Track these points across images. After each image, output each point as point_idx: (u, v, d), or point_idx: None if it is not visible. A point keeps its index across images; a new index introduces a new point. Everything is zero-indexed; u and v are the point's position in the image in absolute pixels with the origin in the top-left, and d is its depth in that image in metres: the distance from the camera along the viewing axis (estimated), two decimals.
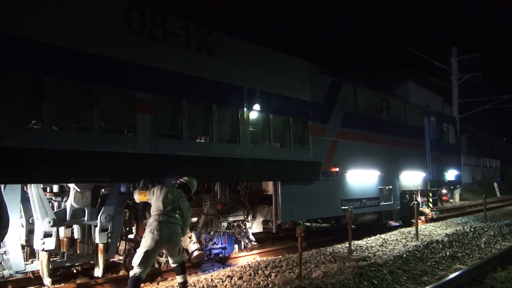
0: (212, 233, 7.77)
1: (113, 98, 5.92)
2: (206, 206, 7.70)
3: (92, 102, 5.60)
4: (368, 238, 9.87)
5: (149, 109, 6.17)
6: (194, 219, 7.66)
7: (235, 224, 8.22)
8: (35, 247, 5.87)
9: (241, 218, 8.31)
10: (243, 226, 8.35)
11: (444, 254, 8.00)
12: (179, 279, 5.53)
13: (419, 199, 13.10)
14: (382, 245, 9.06)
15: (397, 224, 13.08)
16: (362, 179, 10.33)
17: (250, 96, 7.67)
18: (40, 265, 5.78)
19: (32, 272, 6.03)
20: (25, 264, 5.89)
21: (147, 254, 5.12)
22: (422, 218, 13.64)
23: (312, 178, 8.84)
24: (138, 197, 5.80)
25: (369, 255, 7.91)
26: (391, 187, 11.44)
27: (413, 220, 10.92)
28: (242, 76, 7.58)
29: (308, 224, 9.84)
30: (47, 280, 5.75)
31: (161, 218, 5.28)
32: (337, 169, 9.50)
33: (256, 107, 7.79)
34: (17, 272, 5.83)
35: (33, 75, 5.12)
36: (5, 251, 5.79)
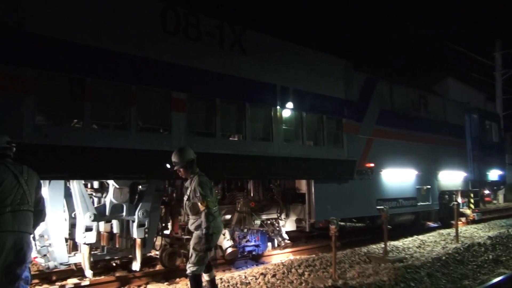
0: (245, 230, 7.82)
1: (149, 97, 6.09)
2: (240, 204, 7.76)
3: (130, 101, 5.79)
4: (405, 239, 9.61)
5: (183, 107, 6.30)
6: (228, 216, 7.75)
7: (268, 222, 8.24)
8: (77, 240, 6.16)
9: (274, 216, 8.31)
10: (276, 224, 8.35)
11: (486, 258, 7.66)
12: (206, 277, 5.20)
13: (459, 199, 12.60)
14: (419, 247, 8.80)
15: (435, 225, 12.64)
16: (398, 178, 10.06)
17: (283, 94, 7.65)
18: (82, 257, 6.05)
19: (75, 264, 6.33)
20: (68, 257, 6.19)
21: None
22: (463, 219, 13.11)
23: (346, 177, 8.71)
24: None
25: (406, 256, 7.70)
26: (429, 186, 11.08)
27: (453, 222, 10.51)
28: (275, 74, 7.58)
29: (342, 223, 9.69)
30: (88, 272, 6.02)
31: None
32: (372, 168, 9.31)
33: (289, 105, 7.76)
34: (61, 263, 6.13)
35: (75, 76, 5.36)
36: (50, 244, 6.10)
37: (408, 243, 9.06)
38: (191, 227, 4.97)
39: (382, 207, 8.03)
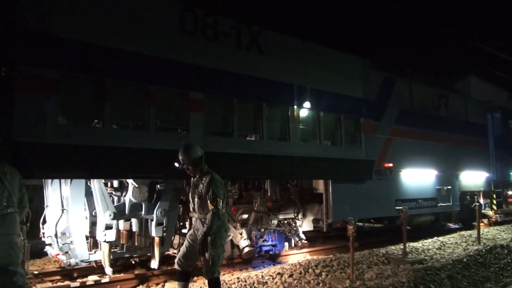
0: (262, 230, 7.83)
1: (167, 97, 6.16)
2: (257, 204, 7.78)
3: (149, 101, 5.87)
4: (425, 240, 9.45)
5: (201, 107, 6.35)
6: (245, 216, 7.77)
7: (285, 222, 8.23)
8: (97, 238, 6.29)
9: (291, 216, 8.30)
10: (293, 224, 8.34)
11: (509, 260, 7.46)
12: (179, 286, 4.95)
13: (481, 200, 12.31)
14: (439, 248, 8.64)
15: (456, 226, 12.39)
16: (418, 178, 9.90)
17: (300, 93, 7.63)
18: (102, 255, 6.18)
19: (95, 261, 6.47)
20: (89, 254, 6.33)
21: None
22: (485, 221, 12.81)
23: (365, 177, 8.62)
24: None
25: (426, 258, 7.57)
26: (450, 187, 10.86)
27: (475, 223, 10.28)
28: (292, 73, 7.56)
29: (360, 224, 9.58)
30: (108, 270, 6.14)
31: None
32: (391, 168, 9.19)
33: (307, 104, 7.73)
34: (81, 260, 6.28)
35: (95, 77, 5.47)
36: (71, 241, 6.25)
37: (428, 245, 8.91)
38: (197, 223, 4.75)
39: (401, 207, 7.92)
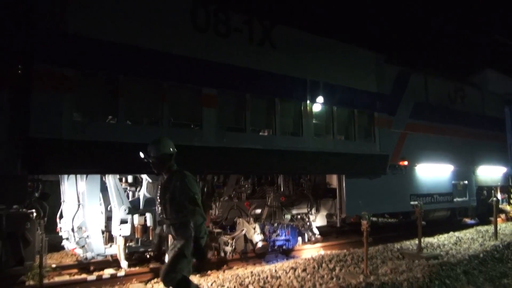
0: (275, 225, 7.85)
1: (180, 93, 6.20)
2: (270, 198, 7.79)
3: (162, 97, 5.91)
4: (440, 236, 9.33)
5: (214, 103, 6.37)
6: (258, 211, 7.79)
7: (299, 216, 8.23)
8: (113, 232, 6.40)
9: (305, 211, 8.29)
10: (307, 219, 8.33)
11: None
12: None
13: (498, 195, 12.09)
14: (455, 244, 8.51)
15: (473, 222, 12.19)
16: (433, 173, 9.77)
17: (313, 88, 7.59)
18: (118, 249, 6.28)
19: (111, 255, 6.58)
20: (105, 248, 6.44)
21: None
22: (502, 216, 12.57)
23: (379, 171, 8.56)
24: None
25: (441, 253, 7.47)
26: (466, 182, 10.69)
27: (492, 218, 10.10)
28: (305, 68, 7.52)
29: (374, 218, 9.53)
30: (124, 263, 6.24)
31: None
32: (405, 163, 9.10)
33: (320, 99, 7.68)
34: (98, 254, 6.40)
35: (109, 74, 5.53)
36: (87, 236, 6.37)
37: (443, 240, 8.79)
38: (170, 229, 4.11)
39: (416, 202, 7.83)
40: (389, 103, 8.98)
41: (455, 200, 10.33)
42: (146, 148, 4.19)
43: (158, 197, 4.29)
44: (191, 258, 4.01)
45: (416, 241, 7.76)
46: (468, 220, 12.33)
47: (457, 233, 9.60)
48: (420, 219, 7.51)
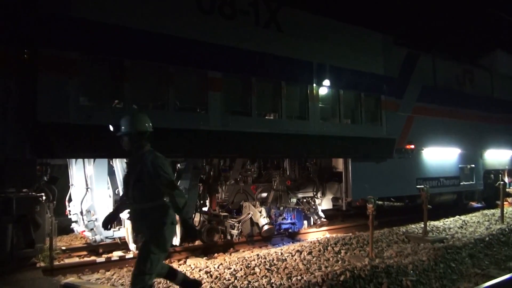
0: (281, 208, 7.90)
1: (186, 77, 6.17)
2: (276, 182, 7.82)
3: (168, 82, 5.89)
4: (446, 219, 9.34)
5: (219, 87, 6.34)
6: (264, 194, 7.84)
7: (305, 200, 8.27)
8: (120, 215, 6.47)
9: (311, 194, 8.32)
10: (313, 203, 8.37)
11: None
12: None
13: (506, 179, 12.03)
14: (461, 227, 8.53)
15: (479, 205, 12.18)
16: (440, 156, 9.73)
17: (320, 71, 7.51)
18: (126, 232, 6.37)
19: (119, 238, 6.68)
20: (113, 231, 6.54)
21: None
22: (509, 199, 12.54)
23: (385, 155, 8.52)
24: None
25: (447, 236, 7.50)
26: (473, 165, 10.64)
27: (498, 202, 10.08)
28: (311, 51, 7.43)
29: (380, 202, 9.52)
30: (132, 246, 6.34)
31: None
32: (412, 146, 9.05)
33: (326, 82, 7.61)
34: (106, 237, 6.51)
35: (114, 57, 5.50)
36: (96, 219, 6.46)
37: (449, 223, 8.81)
38: (135, 214, 3.76)
39: (422, 186, 7.82)
40: (396, 86, 8.88)
41: (461, 183, 10.29)
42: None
43: (123, 179, 3.93)
44: (162, 250, 3.63)
45: (422, 225, 7.78)
46: (475, 204, 12.31)
47: (463, 217, 9.61)
48: (426, 203, 7.51)
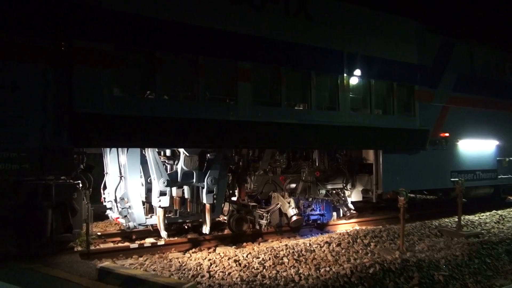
0: (310, 199, 7.87)
1: (216, 68, 6.21)
2: (305, 173, 7.79)
3: (198, 72, 5.95)
4: (482, 214, 9.04)
5: (249, 77, 6.35)
6: (293, 185, 7.83)
7: (334, 192, 8.19)
8: (153, 203, 6.67)
9: (340, 186, 8.24)
10: (342, 194, 8.29)
11: None
12: None
13: None
14: (498, 222, 8.23)
15: None
16: (476, 149, 9.37)
17: (350, 60, 7.36)
18: (158, 219, 6.55)
19: (152, 225, 6.88)
20: (146, 218, 6.75)
21: None
22: None
23: (418, 147, 8.30)
24: None
25: (482, 231, 7.27)
26: None
27: None
28: (341, 40, 7.29)
29: (412, 195, 9.30)
30: (163, 233, 6.52)
31: None
32: (446, 138, 8.77)
33: (357, 72, 7.46)
34: (139, 224, 6.72)
35: (146, 49, 5.61)
36: (129, 206, 6.68)
37: (485, 218, 8.51)
38: None
39: (456, 179, 7.58)
40: (430, 75, 8.60)
41: (499, 177, 9.89)
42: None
43: None
44: None
45: (456, 219, 7.56)
46: None
47: (500, 211, 9.27)
48: (461, 197, 7.28)
